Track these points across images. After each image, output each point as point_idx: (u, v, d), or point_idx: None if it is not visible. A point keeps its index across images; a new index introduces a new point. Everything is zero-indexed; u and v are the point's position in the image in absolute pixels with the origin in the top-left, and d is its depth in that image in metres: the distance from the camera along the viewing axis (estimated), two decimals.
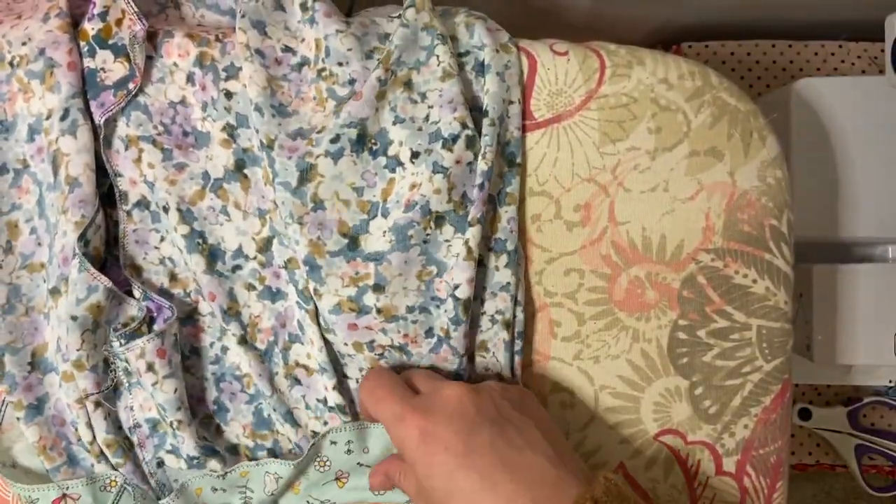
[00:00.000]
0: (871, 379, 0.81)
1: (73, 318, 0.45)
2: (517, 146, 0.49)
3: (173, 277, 0.48)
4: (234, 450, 0.50)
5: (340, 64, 0.47)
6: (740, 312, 0.51)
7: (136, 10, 0.46)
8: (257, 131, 0.46)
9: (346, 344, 0.47)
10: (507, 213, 0.49)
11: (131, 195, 0.47)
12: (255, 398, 0.50)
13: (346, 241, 0.47)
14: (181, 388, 0.47)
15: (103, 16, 0.46)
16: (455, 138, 0.46)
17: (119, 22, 0.46)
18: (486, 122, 0.47)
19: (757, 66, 0.84)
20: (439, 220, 0.47)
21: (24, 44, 0.46)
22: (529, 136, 0.50)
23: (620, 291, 0.51)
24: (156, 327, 0.47)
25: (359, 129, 0.47)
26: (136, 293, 0.47)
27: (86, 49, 0.46)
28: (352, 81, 0.47)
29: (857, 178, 0.71)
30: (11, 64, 0.46)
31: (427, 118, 0.47)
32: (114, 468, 0.48)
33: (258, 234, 0.48)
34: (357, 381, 0.49)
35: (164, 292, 0.48)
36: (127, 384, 0.48)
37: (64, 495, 0.47)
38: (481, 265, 0.48)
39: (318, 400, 0.49)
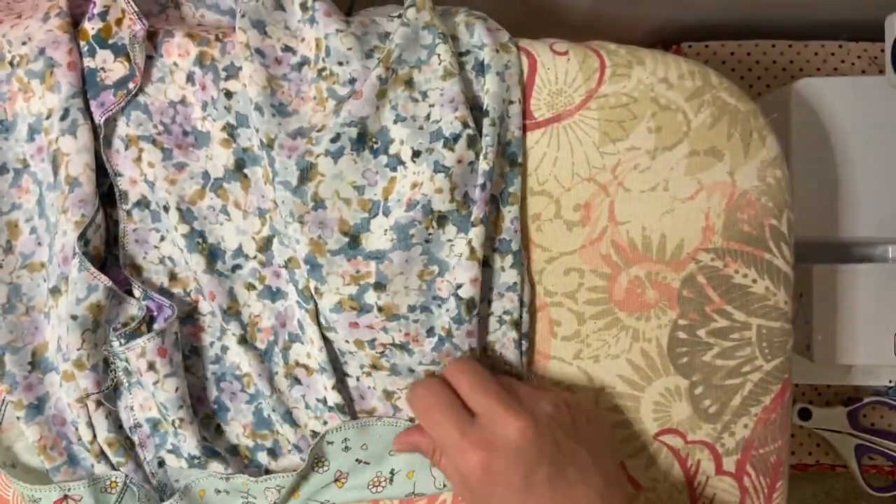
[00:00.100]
0: (871, 379, 0.81)
1: (74, 318, 0.45)
2: (518, 146, 0.49)
3: (173, 277, 0.49)
4: (233, 450, 0.50)
5: (341, 63, 0.47)
6: (740, 312, 0.51)
7: (136, 9, 0.46)
8: (257, 131, 0.46)
9: (347, 342, 0.47)
10: (510, 213, 0.49)
11: (131, 195, 0.48)
12: (256, 398, 0.50)
13: (346, 239, 0.47)
14: (183, 387, 0.47)
15: (103, 15, 0.46)
16: (456, 138, 0.46)
17: (119, 21, 0.46)
18: (486, 121, 0.47)
19: (757, 66, 0.84)
20: (441, 219, 0.47)
21: (24, 43, 0.46)
22: (529, 136, 0.50)
23: (620, 291, 0.51)
24: (156, 326, 0.47)
25: (359, 128, 0.47)
26: (136, 292, 0.47)
27: (86, 49, 0.46)
28: (352, 81, 0.47)
29: (857, 178, 0.71)
30: (11, 63, 0.46)
31: (428, 117, 0.47)
32: (114, 468, 0.48)
33: (258, 234, 0.48)
34: (358, 380, 0.49)
35: (164, 292, 0.48)
36: (127, 384, 0.48)
37: (65, 496, 0.47)
38: (486, 266, 0.48)
39: (318, 400, 0.49)
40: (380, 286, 0.46)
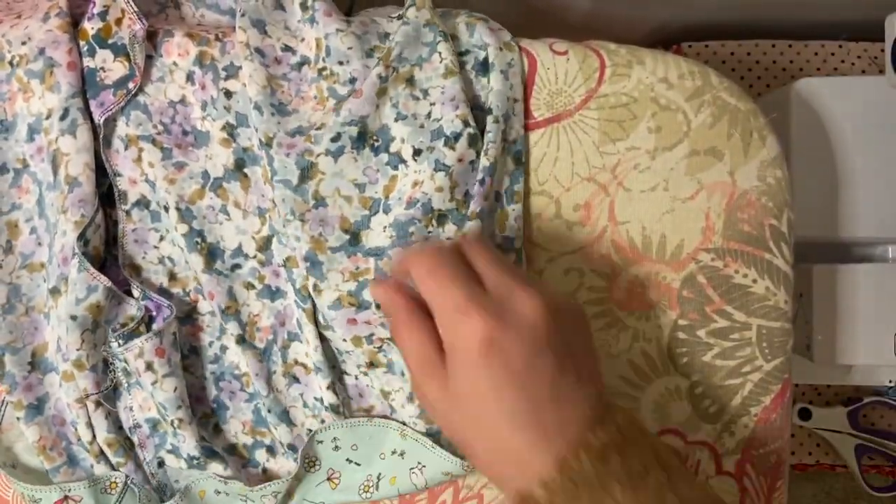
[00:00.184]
0: (871, 379, 0.81)
1: (73, 318, 0.45)
2: (522, 144, 0.49)
3: (172, 277, 0.48)
4: (231, 449, 0.50)
5: (341, 63, 0.47)
6: (740, 312, 0.51)
7: (135, 9, 0.46)
8: (256, 130, 0.46)
9: (344, 340, 0.47)
10: (514, 211, 0.49)
11: (130, 194, 0.47)
12: (255, 397, 0.50)
13: (347, 236, 0.47)
14: (181, 387, 0.47)
15: (103, 15, 0.46)
16: (457, 136, 0.46)
17: (119, 21, 0.46)
18: (489, 119, 0.47)
19: (757, 66, 0.84)
20: (441, 218, 0.47)
21: (23, 43, 0.46)
22: (529, 136, 0.50)
23: (620, 291, 0.51)
24: (155, 326, 0.47)
25: (359, 127, 0.47)
26: (136, 292, 0.47)
27: (85, 48, 0.46)
28: (352, 80, 0.47)
29: (857, 178, 0.71)
30: (11, 63, 0.46)
31: (429, 115, 0.47)
32: (114, 468, 0.48)
33: (258, 233, 0.48)
34: (356, 378, 0.49)
35: (163, 291, 0.48)
36: (126, 384, 0.48)
37: (66, 497, 0.47)
38: None
39: (316, 398, 0.49)
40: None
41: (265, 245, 0.48)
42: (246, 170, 0.48)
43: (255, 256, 0.49)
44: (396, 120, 0.47)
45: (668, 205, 0.50)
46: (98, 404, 0.47)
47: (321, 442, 0.49)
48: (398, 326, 0.41)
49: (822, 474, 1.06)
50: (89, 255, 0.45)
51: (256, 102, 0.46)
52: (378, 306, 0.46)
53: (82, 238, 0.45)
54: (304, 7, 0.48)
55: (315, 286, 0.46)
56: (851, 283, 0.71)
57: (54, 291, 0.46)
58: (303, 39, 0.48)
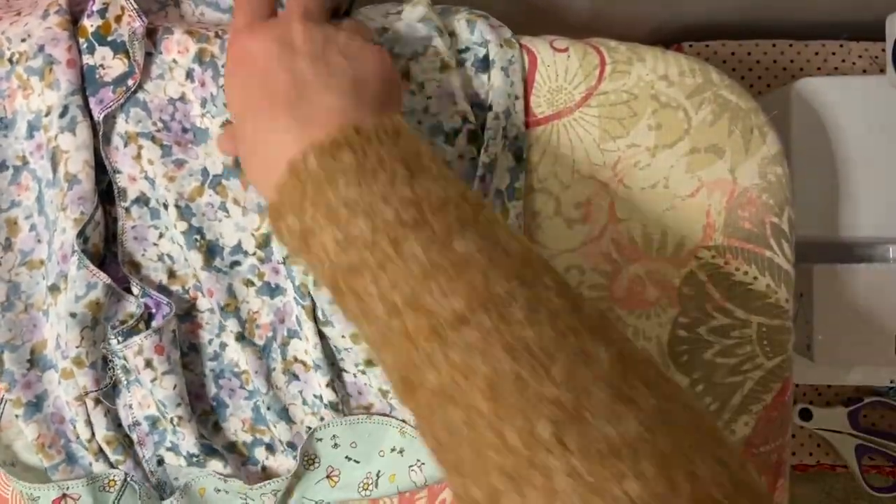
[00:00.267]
0: (871, 379, 0.81)
1: (73, 315, 0.45)
2: (524, 141, 0.49)
3: (172, 274, 0.48)
4: (231, 447, 0.50)
5: None
6: (741, 310, 0.51)
7: (135, 6, 0.46)
8: None
9: (343, 336, 0.47)
10: (515, 208, 0.49)
11: (130, 192, 0.47)
12: (254, 394, 0.49)
13: None
14: (181, 385, 0.47)
15: (102, 12, 0.46)
16: (457, 132, 0.46)
17: (118, 18, 0.46)
18: (490, 115, 0.47)
19: (757, 66, 0.84)
20: None
21: (23, 40, 0.45)
22: (530, 133, 0.50)
23: (621, 289, 0.50)
24: (154, 324, 0.47)
25: None
26: (135, 290, 0.47)
27: (85, 46, 0.46)
28: None
29: (857, 178, 0.71)
30: (11, 61, 0.46)
31: (426, 110, 0.47)
32: (113, 466, 0.48)
33: (257, 230, 0.48)
34: (355, 376, 0.49)
35: (162, 289, 0.48)
36: (125, 382, 0.48)
37: (64, 495, 0.47)
38: None
39: (315, 396, 0.49)
40: None
41: (264, 242, 0.48)
42: None
43: (254, 253, 0.48)
44: None
45: (668, 202, 0.50)
46: (97, 402, 0.47)
47: (320, 439, 0.49)
48: None
49: (823, 474, 1.06)
50: (89, 253, 0.45)
51: None
52: None
53: (82, 235, 0.45)
54: None
55: (314, 282, 0.46)
56: (852, 283, 0.71)
57: (53, 289, 0.46)
58: None
